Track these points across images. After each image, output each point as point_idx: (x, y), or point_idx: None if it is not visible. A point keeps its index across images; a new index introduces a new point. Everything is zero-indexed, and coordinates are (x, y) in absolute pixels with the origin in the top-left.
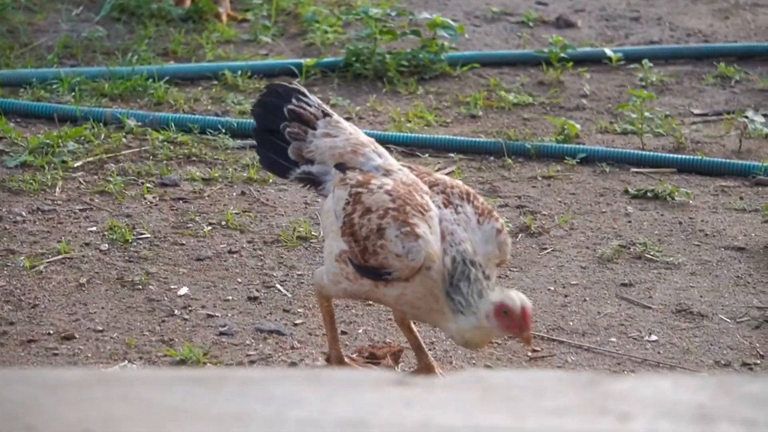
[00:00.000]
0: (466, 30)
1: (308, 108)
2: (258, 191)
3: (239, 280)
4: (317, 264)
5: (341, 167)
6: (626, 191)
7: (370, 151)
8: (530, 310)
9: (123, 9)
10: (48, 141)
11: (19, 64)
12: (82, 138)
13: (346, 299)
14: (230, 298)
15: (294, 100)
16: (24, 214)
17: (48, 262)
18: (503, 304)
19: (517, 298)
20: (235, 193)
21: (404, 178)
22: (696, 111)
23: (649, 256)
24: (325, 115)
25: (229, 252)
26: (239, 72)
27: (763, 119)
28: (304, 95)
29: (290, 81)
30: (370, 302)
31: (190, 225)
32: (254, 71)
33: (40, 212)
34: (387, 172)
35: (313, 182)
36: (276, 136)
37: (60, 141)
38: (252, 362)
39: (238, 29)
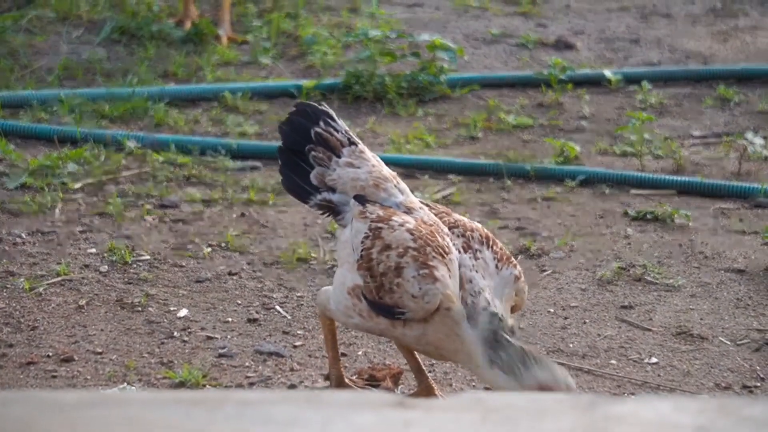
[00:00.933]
0: (466, 52)
1: (335, 134)
2: (258, 213)
3: (239, 301)
4: (317, 285)
5: (361, 199)
6: (626, 213)
7: (392, 186)
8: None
9: (123, 31)
10: (48, 162)
11: (20, 85)
12: (82, 159)
13: (356, 332)
14: (230, 319)
15: (322, 123)
16: (23, 235)
17: (47, 284)
18: (549, 388)
19: (562, 382)
20: (234, 215)
21: (425, 217)
22: (695, 133)
23: (648, 278)
24: (351, 143)
25: (229, 274)
26: (239, 93)
27: (762, 141)
28: (333, 119)
29: (320, 102)
30: None
31: (189, 247)
32: (254, 93)
33: (39, 234)
34: (408, 210)
35: (333, 210)
36: (300, 158)
37: (60, 162)
38: (251, 384)
39: (238, 51)
